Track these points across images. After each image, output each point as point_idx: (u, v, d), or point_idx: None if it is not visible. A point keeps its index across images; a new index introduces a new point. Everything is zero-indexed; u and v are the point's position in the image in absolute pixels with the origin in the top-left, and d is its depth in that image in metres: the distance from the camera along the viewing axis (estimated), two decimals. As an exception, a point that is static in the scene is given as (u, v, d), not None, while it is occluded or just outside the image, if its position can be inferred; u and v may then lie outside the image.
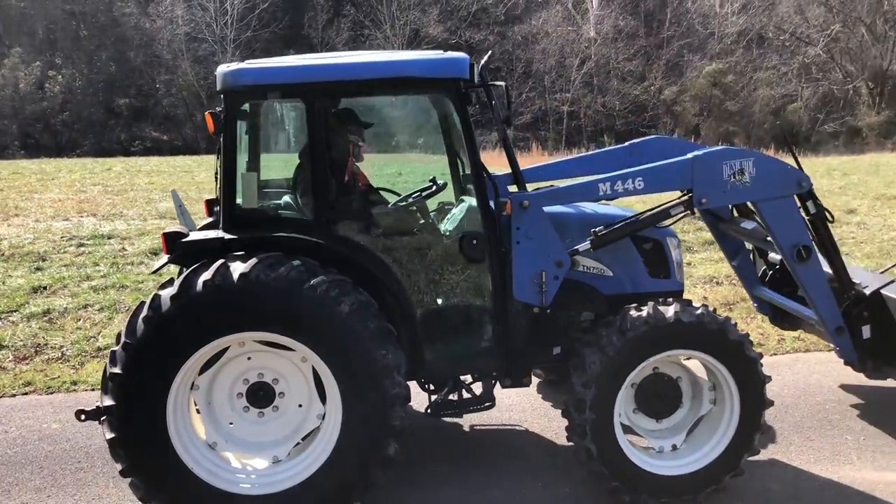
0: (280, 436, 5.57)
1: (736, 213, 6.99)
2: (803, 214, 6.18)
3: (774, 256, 7.33)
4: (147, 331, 4.98)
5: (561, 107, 46.94)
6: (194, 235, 5.47)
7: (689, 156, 5.87)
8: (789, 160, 6.24)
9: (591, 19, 49.08)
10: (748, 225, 6.73)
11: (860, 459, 6.24)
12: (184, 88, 49.15)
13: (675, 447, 5.75)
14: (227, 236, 5.39)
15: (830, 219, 6.27)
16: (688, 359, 5.71)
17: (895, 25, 48.34)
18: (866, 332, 6.30)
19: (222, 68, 5.39)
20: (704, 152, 5.88)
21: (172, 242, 5.38)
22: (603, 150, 7.33)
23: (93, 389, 8.20)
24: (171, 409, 5.19)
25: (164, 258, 5.52)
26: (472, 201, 5.99)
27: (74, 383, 8.34)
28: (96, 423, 5.30)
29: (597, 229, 5.87)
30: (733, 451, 5.61)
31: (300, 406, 5.53)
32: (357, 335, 5.13)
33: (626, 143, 7.00)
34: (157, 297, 5.05)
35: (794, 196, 6.09)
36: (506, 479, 6.13)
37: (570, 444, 5.63)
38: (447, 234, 5.95)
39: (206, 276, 4.97)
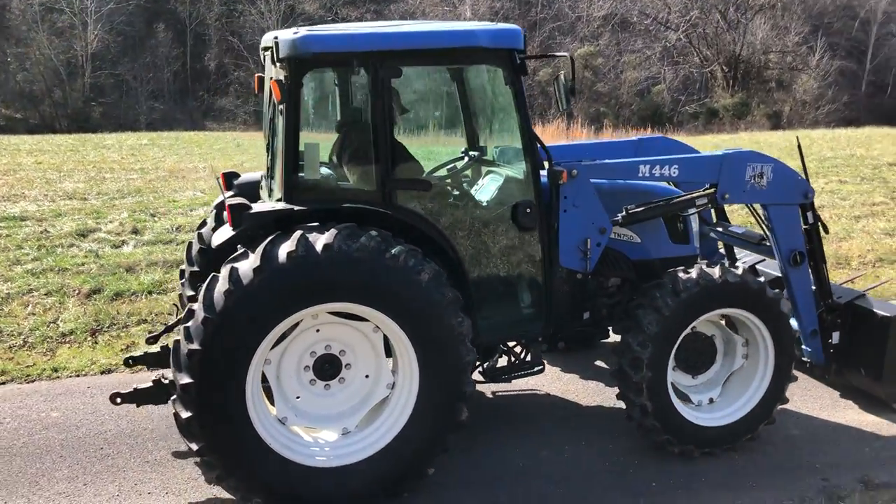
0: (346, 407, 5.56)
1: (715, 218, 7.50)
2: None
3: (746, 260, 7.74)
4: (228, 304, 4.86)
5: (440, 87, 47.30)
6: (260, 207, 5.33)
7: (720, 153, 6.31)
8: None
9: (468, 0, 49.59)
10: (738, 229, 7.26)
11: (859, 405, 6.84)
12: (40, 63, 46.08)
13: (711, 401, 6.14)
14: (296, 207, 5.29)
15: (825, 231, 6.80)
16: (722, 317, 6.09)
17: (746, 13, 51.51)
18: (836, 337, 6.85)
19: (285, 34, 5.28)
20: (733, 152, 6.34)
21: (239, 214, 5.23)
22: (612, 140, 7.68)
23: (77, 375, 7.82)
24: (249, 384, 5.08)
25: (229, 231, 5.35)
26: (509, 171, 6.11)
27: (55, 370, 7.90)
28: (129, 405, 5.21)
29: (629, 207, 6.17)
30: (768, 402, 6.07)
31: (367, 377, 5.53)
32: (436, 303, 5.20)
33: (635, 138, 7.37)
34: (235, 271, 4.92)
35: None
36: (548, 439, 6.34)
37: (589, 404, 5.89)
38: (488, 203, 6.05)
39: (289, 247, 4.89)
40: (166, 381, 5.95)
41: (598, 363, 7.87)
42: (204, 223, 6.96)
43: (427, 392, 5.31)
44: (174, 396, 5.09)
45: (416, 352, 5.26)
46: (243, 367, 5.02)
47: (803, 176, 6.57)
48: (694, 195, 6.34)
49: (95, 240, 12.37)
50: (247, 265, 4.90)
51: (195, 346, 4.88)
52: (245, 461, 5.10)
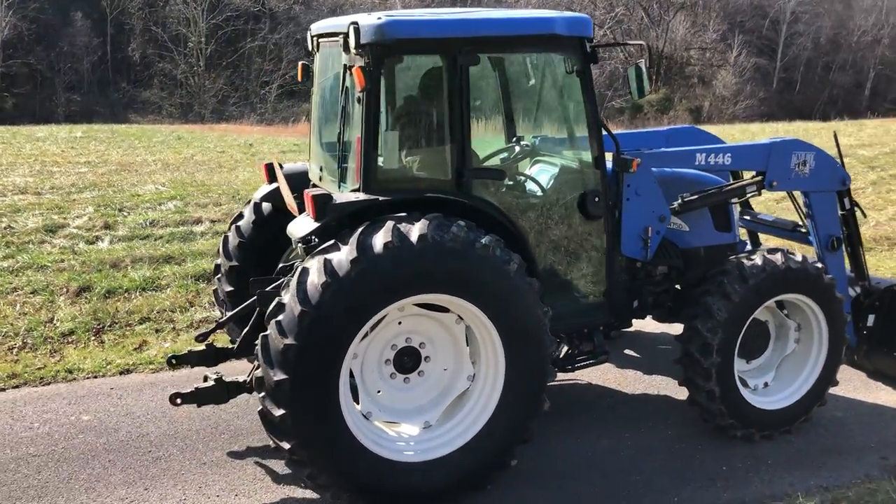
0: (426, 401, 5.48)
1: (740, 207, 7.68)
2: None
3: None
4: (325, 297, 4.71)
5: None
6: (343, 198, 5.18)
7: (767, 141, 6.45)
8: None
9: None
10: (767, 217, 7.51)
11: (890, 387, 7.09)
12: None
13: (766, 385, 6.28)
14: (381, 198, 5.17)
15: (864, 216, 7.04)
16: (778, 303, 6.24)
17: (668, 10, 52.85)
18: (871, 320, 7.10)
19: (367, 20, 5.14)
20: (780, 140, 6.50)
21: (323, 205, 5.07)
22: (644, 130, 7.75)
23: (94, 377, 7.48)
24: (342, 379, 4.95)
25: (310, 222, 5.17)
26: (575, 160, 6.11)
27: (70, 371, 7.53)
28: (160, 406, 5.13)
29: (684, 195, 6.26)
30: (821, 384, 6.26)
31: (445, 369, 5.46)
32: (524, 293, 5.17)
33: (665, 129, 7.45)
34: (329, 262, 4.76)
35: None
36: (603, 429, 6.38)
37: (632, 392, 6.00)
38: (555, 192, 6.03)
39: (385, 238, 4.77)
40: (228, 380, 5.73)
41: (627, 351, 7.95)
42: (241, 216, 6.77)
43: (512, 382, 5.27)
44: (262, 394, 4.89)
45: (502, 342, 5.21)
46: (337, 362, 4.88)
47: (840, 164, 6.78)
48: (744, 183, 6.48)
49: (67, 236, 11.80)
50: (343, 256, 4.75)
51: (289, 340, 4.71)
52: (338, 458, 4.96)
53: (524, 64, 6.38)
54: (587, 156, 5.88)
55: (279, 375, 4.74)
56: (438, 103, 5.44)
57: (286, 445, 4.87)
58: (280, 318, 4.79)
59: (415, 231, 4.84)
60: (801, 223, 7.13)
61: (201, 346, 6.33)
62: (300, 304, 4.72)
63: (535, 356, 5.28)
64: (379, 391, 5.34)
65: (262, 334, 4.91)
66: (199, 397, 5.68)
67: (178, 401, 5.64)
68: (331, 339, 4.81)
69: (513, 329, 5.19)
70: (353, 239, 4.82)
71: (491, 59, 6.40)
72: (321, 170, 6.00)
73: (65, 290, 9.55)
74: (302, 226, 5.25)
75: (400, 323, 5.26)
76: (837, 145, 6.98)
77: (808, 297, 6.04)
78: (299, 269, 4.90)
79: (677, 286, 6.69)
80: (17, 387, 7.25)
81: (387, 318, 5.15)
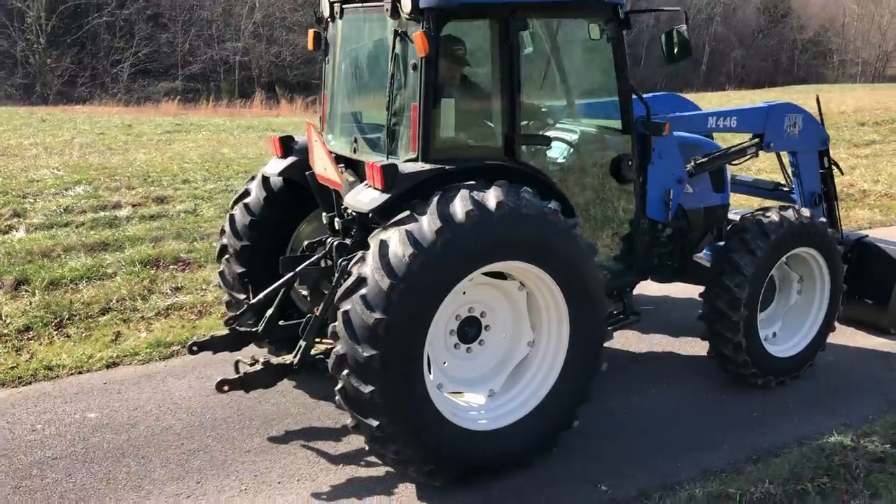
0: (486, 369, 5.48)
1: None
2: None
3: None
4: (413, 269, 4.60)
5: (233, 57, 45.34)
6: (409, 167, 5.06)
7: (765, 105, 6.79)
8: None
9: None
10: (746, 178, 7.96)
11: (862, 331, 7.68)
12: None
13: (774, 335, 6.67)
14: (447, 167, 5.09)
15: (841, 173, 7.55)
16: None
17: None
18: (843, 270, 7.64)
19: None
20: (777, 104, 6.87)
21: (392, 176, 4.93)
22: None
23: (79, 373, 6.95)
24: (426, 351, 4.87)
25: (375, 193, 5.01)
26: (608, 125, 6.17)
27: (49, 368, 6.96)
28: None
29: (696, 158, 6.52)
30: (824, 331, 6.71)
31: (504, 337, 5.47)
32: (587, 256, 5.25)
33: (648, 95, 7.65)
34: (411, 234, 4.66)
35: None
36: (630, 384, 6.58)
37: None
38: (592, 157, 6.11)
39: (465, 206, 4.72)
40: (276, 363, 5.50)
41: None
42: (246, 193, 6.46)
43: (576, 345, 5.35)
44: (345, 372, 4.73)
45: (567, 306, 5.26)
46: (423, 334, 4.79)
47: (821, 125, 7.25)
48: (745, 145, 6.81)
49: (-28, 226, 10.83)
50: (426, 227, 4.65)
51: (378, 315, 4.57)
52: (424, 432, 4.88)
53: (562, 30, 6.36)
54: (621, 121, 5.99)
55: (368, 351, 4.60)
56: (491, 69, 5.39)
57: (373, 423, 4.73)
58: (364, 292, 4.64)
59: (491, 199, 4.80)
60: (781, 183, 7.56)
61: (224, 331, 6.02)
62: (388, 277, 4.58)
63: (596, 318, 5.38)
64: (445, 362, 5.29)
65: (342, 310, 4.73)
66: (246, 383, 5.42)
67: (226, 388, 5.36)
68: (418, 311, 4.71)
69: (578, 292, 5.25)
70: (433, 209, 4.72)
71: (532, 24, 6.35)
72: (355, 141, 5.80)
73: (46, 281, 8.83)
74: (365, 197, 5.06)
75: (464, 293, 5.20)
76: (819, 108, 7.43)
77: (816, 249, 6.45)
78: (377, 241, 4.75)
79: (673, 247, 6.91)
80: (29, 383, 6.67)
81: (457, 287, 5.08)
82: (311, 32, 6.30)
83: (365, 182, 5.16)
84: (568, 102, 6.42)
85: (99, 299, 8.48)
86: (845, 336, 7.59)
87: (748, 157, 6.95)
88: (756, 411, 6.20)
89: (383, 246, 4.71)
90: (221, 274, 6.58)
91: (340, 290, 4.82)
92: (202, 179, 13.42)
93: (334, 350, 4.79)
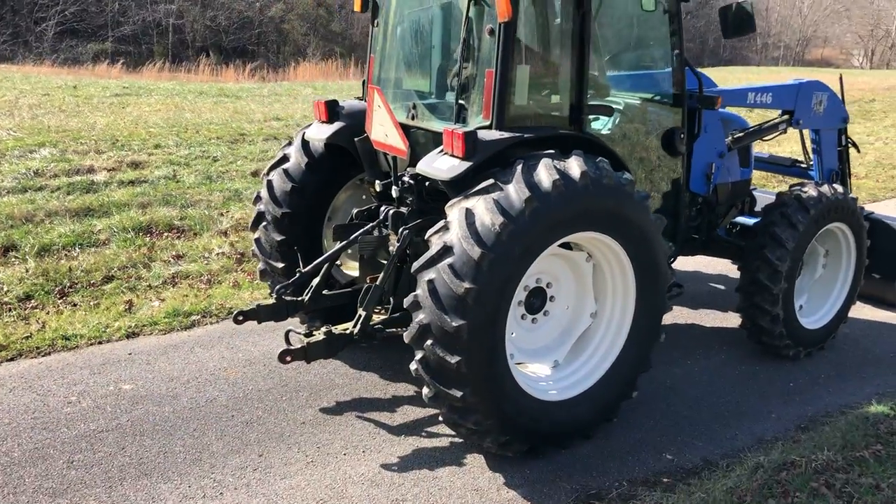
0: (549, 340, 5.47)
1: None
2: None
3: None
4: (502, 237, 4.52)
5: (166, 19, 43.80)
6: (489, 135, 4.96)
7: (795, 82, 6.91)
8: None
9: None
10: (763, 155, 8.10)
11: (870, 305, 7.95)
12: None
13: (801, 307, 6.84)
14: (526, 135, 5.02)
15: (857, 150, 7.75)
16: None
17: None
18: None
19: None
20: (806, 82, 6.99)
21: (473, 143, 4.84)
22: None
23: (99, 343, 6.69)
24: (509, 321, 4.82)
25: (454, 161, 4.90)
26: (662, 97, 6.14)
27: (66, 338, 6.67)
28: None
29: (734, 132, 6.61)
30: (848, 303, 6.93)
31: (567, 308, 5.47)
32: (656, 228, 5.27)
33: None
34: (499, 202, 4.59)
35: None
36: (666, 357, 6.65)
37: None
38: (648, 129, 6.10)
39: (551, 175, 4.66)
40: (338, 332, 5.37)
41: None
42: (285, 158, 6.27)
43: (640, 316, 5.38)
44: (429, 342, 4.64)
45: (635, 277, 5.28)
46: (507, 304, 4.74)
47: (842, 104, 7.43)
48: (777, 121, 6.92)
49: (-60, 189, 10.25)
50: (514, 195, 4.58)
51: (467, 284, 4.49)
52: (504, 402, 4.84)
53: (624, 1, 6.28)
54: (674, 93, 6.01)
55: (456, 321, 4.52)
56: (562, 37, 5.32)
57: (457, 393, 4.66)
58: (451, 261, 4.55)
59: (575, 169, 4.76)
60: (798, 159, 7.73)
61: (269, 300, 5.84)
62: (477, 246, 4.50)
63: (660, 289, 5.41)
64: (513, 333, 5.24)
65: (425, 279, 4.63)
66: (309, 353, 5.26)
67: (289, 358, 5.20)
68: (505, 280, 4.65)
69: (646, 264, 5.27)
70: (519, 177, 4.65)
71: None
72: (414, 107, 5.67)
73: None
74: (443, 164, 4.94)
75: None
76: (841, 87, 7.60)
77: (846, 224, 6.63)
78: (461, 210, 4.65)
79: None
80: (12, 359, 6.32)
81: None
82: None
83: (439, 149, 5.04)
84: (621, 73, 6.39)
85: (99, 267, 8.14)
86: (854, 310, 7.82)
87: (778, 133, 7.07)
88: (793, 382, 6.36)
89: (469, 214, 4.61)
90: (258, 241, 6.38)
91: (422, 260, 4.71)
92: (174, 145, 12.96)
93: (416, 320, 4.69)
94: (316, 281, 5.85)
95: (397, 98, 5.87)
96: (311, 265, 5.79)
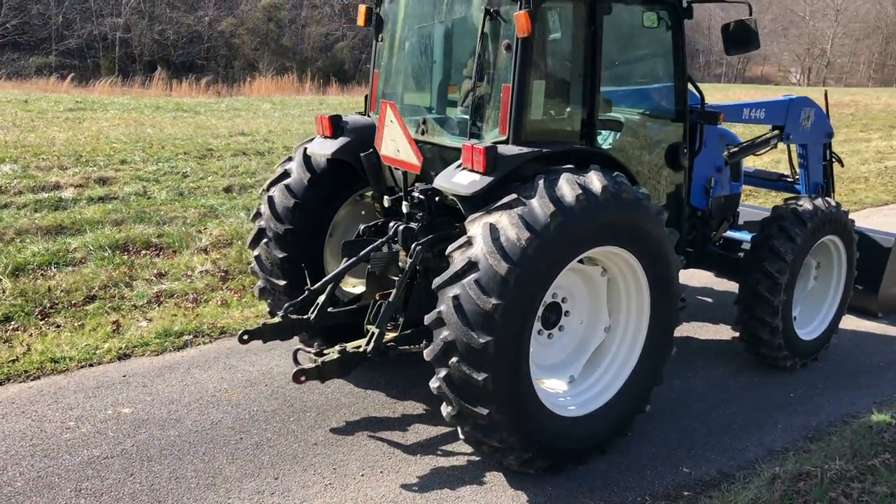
0: (564, 355, 5.46)
1: None
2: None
3: None
4: (528, 252, 4.49)
5: (112, 33, 42.99)
6: (508, 150, 4.93)
7: (786, 98, 7.06)
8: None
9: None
10: (749, 169, 8.17)
11: (852, 315, 8.10)
12: None
13: (794, 318, 6.94)
14: (544, 150, 5.02)
15: (841, 165, 7.93)
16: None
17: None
18: None
19: None
20: (797, 98, 7.15)
21: (494, 158, 4.81)
22: None
23: (89, 365, 6.46)
24: (532, 337, 4.79)
25: (473, 176, 4.86)
26: (665, 113, 6.17)
27: (54, 361, 6.42)
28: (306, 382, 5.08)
29: (730, 147, 6.73)
30: (839, 314, 7.06)
31: (581, 323, 5.47)
32: (670, 242, 5.31)
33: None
34: (523, 217, 4.56)
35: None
36: (667, 370, 6.67)
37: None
38: (653, 144, 6.12)
39: (573, 190, 4.66)
40: (351, 351, 5.28)
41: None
42: (285, 174, 6.17)
43: (654, 330, 5.40)
44: (454, 359, 4.58)
45: (650, 291, 5.30)
46: (531, 319, 4.72)
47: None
48: (768, 136, 7.06)
49: None
50: (539, 210, 4.56)
51: (494, 300, 4.45)
52: (527, 418, 4.80)
53: (621, 16, 6.30)
54: (677, 109, 6.06)
55: (484, 337, 4.47)
56: (574, 52, 5.34)
57: (482, 411, 4.61)
58: (477, 277, 4.50)
59: (596, 183, 4.76)
60: (784, 174, 7.88)
61: (275, 319, 5.70)
62: (504, 261, 4.46)
63: (674, 303, 5.44)
64: (531, 349, 5.21)
65: (449, 296, 4.57)
66: (323, 372, 5.15)
67: (303, 378, 5.07)
68: (532, 295, 4.63)
69: (661, 278, 5.30)
70: (542, 192, 4.64)
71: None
72: (424, 122, 5.62)
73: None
74: (463, 179, 4.89)
75: (552, 279, 5.14)
76: (826, 103, 7.78)
77: (838, 237, 6.76)
78: (484, 225, 4.61)
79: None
80: (0, 384, 6.06)
81: (546, 273, 5.02)
82: (362, 8, 6.05)
83: (457, 164, 5.00)
84: (623, 88, 6.43)
85: (79, 286, 7.89)
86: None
87: (769, 147, 7.20)
88: (793, 393, 6.45)
89: (493, 230, 4.58)
90: (258, 259, 6.24)
91: (445, 276, 4.65)
92: (141, 160, 12.70)
93: (440, 337, 4.62)
94: (322, 298, 5.73)
95: (405, 113, 5.81)
96: (321, 282, 5.67)
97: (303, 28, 49.01)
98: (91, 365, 6.43)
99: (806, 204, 6.49)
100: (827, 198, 6.80)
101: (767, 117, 7.01)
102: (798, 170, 7.70)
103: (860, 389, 6.58)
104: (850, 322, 7.93)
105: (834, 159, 7.82)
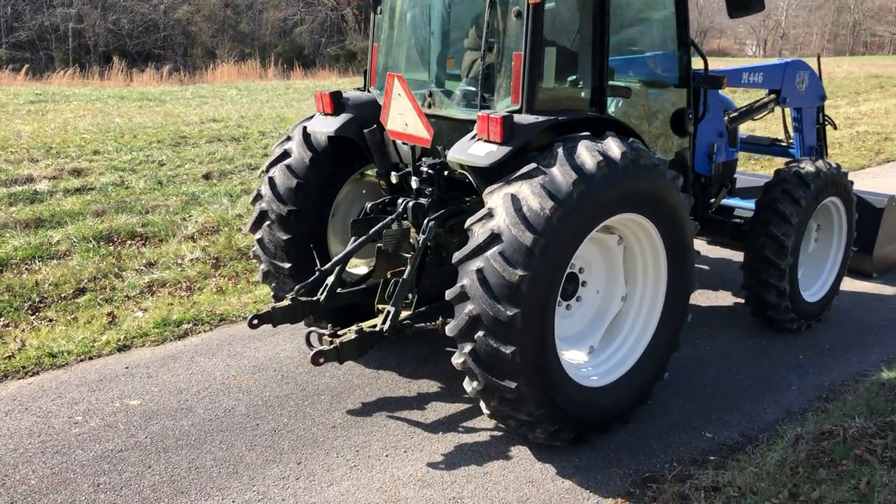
0: (582, 326, 5.41)
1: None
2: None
3: None
4: (553, 222, 4.41)
5: (64, 24, 41.92)
6: (527, 119, 4.83)
7: (782, 62, 7.04)
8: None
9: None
10: (742, 135, 8.15)
11: (849, 278, 8.17)
12: None
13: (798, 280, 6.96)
14: (561, 118, 4.93)
15: (834, 127, 7.94)
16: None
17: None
18: None
19: None
20: (792, 61, 7.14)
21: (511, 128, 4.71)
22: None
23: (90, 358, 6.28)
24: (556, 308, 4.73)
25: (495, 146, 4.75)
26: (669, 79, 6.09)
27: (52, 355, 6.23)
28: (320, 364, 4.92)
29: (730, 112, 6.70)
30: (840, 276, 7.10)
31: (598, 292, 5.42)
32: (686, 208, 5.27)
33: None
34: (545, 187, 4.47)
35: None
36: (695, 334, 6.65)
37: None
38: (659, 110, 6.06)
39: (593, 157, 4.59)
40: (368, 330, 5.16)
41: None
42: (286, 154, 6.02)
43: (671, 297, 5.36)
44: (480, 333, 4.50)
45: (667, 258, 5.26)
46: (556, 290, 4.65)
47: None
48: (766, 100, 7.04)
49: None
50: (562, 179, 4.47)
51: (520, 271, 4.37)
52: (555, 391, 4.74)
53: None
54: (681, 74, 6.01)
55: (511, 309, 4.39)
56: (584, 19, 5.25)
57: (510, 384, 4.53)
58: (501, 249, 4.41)
59: (615, 150, 4.69)
60: (777, 138, 7.89)
61: (285, 302, 5.56)
62: (529, 232, 4.38)
63: (688, 269, 5.40)
64: (552, 320, 5.15)
65: (472, 269, 4.48)
66: (342, 353, 5.03)
67: (322, 360, 4.95)
68: (556, 265, 4.55)
69: (677, 244, 5.25)
70: (563, 160, 4.56)
71: None
72: (430, 95, 5.50)
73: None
74: (479, 150, 4.78)
75: (569, 248, 5.07)
76: (819, 67, 7.78)
77: (839, 198, 6.78)
78: (505, 196, 4.52)
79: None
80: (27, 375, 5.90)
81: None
82: None
83: (471, 135, 4.90)
84: (627, 55, 6.36)
85: (67, 279, 7.67)
86: (836, 282, 8.05)
87: (767, 112, 7.19)
88: (801, 354, 6.47)
89: (515, 200, 4.49)
90: (260, 242, 6.08)
91: (466, 250, 4.56)
92: (114, 150, 12.40)
93: (465, 311, 4.53)
94: (331, 279, 5.61)
95: (409, 86, 5.67)
96: (330, 263, 5.55)
97: (260, 13, 48.29)
98: (91, 358, 6.24)
99: (808, 166, 6.48)
100: (826, 160, 6.80)
101: (765, 81, 7.00)
102: (792, 134, 7.70)
103: (866, 349, 6.62)
104: (845, 283, 7.97)
105: (827, 122, 7.83)
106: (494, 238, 4.46)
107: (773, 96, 7.09)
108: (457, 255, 4.62)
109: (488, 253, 4.44)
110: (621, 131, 5.16)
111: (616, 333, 5.39)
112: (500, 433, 5.18)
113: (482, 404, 4.83)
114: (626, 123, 5.34)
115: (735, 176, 7.51)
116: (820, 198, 6.49)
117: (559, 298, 5.10)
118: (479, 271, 4.46)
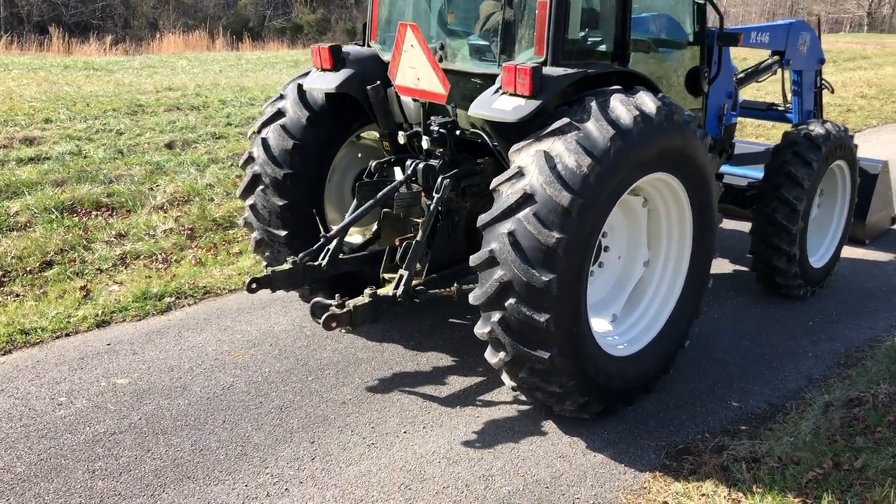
0: (604, 293, 5.15)
1: None
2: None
3: None
4: (590, 180, 4.12)
5: (-3, -8, 40.04)
6: (556, 72, 4.51)
7: (786, 22, 6.83)
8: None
9: None
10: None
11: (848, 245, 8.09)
12: None
13: (805, 246, 6.82)
14: (590, 71, 4.63)
15: (831, 91, 7.79)
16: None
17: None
18: None
19: None
20: (794, 21, 6.92)
21: (540, 81, 4.39)
22: None
23: (66, 335, 5.81)
24: (589, 273, 4.45)
25: (523, 100, 4.42)
26: (684, 36, 5.82)
27: (25, 332, 5.74)
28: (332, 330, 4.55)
29: (736, 73, 6.48)
30: (843, 240, 6.98)
31: (619, 258, 5.16)
32: (714, 168, 5.05)
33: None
34: (580, 144, 4.17)
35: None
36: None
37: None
38: (677, 67, 5.80)
39: (629, 112, 4.30)
40: (381, 295, 4.81)
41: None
42: (279, 114, 5.60)
43: (695, 262, 5.13)
44: (512, 301, 4.19)
45: (693, 220, 5.02)
46: (591, 254, 4.36)
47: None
48: (770, 62, 6.84)
49: None
50: (598, 135, 4.18)
51: (557, 234, 4.07)
52: (587, 361, 4.47)
53: None
54: (694, 32, 5.76)
55: (546, 275, 4.09)
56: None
57: (543, 354, 4.24)
58: (535, 210, 4.10)
59: (649, 105, 4.41)
60: (774, 103, 7.72)
61: (285, 266, 5.15)
62: (565, 191, 4.07)
63: (713, 231, 5.17)
64: (577, 287, 4.87)
65: (503, 232, 4.16)
66: (355, 317, 4.65)
67: (334, 324, 4.56)
68: (592, 227, 4.26)
69: (703, 205, 5.01)
70: (598, 114, 4.26)
71: None
72: (441, 48, 5.14)
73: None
74: (505, 105, 4.44)
75: (593, 210, 4.79)
76: (819, 29, 7.60)
77: (845, 161, 6.63)
78: (537, 153, 4.21)
79: None
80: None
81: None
82: None
83: (494, 88, 4.57)
84: (646, 13, 6.08)
85: (32, 252, 7.14)
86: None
87: (771, 73, 7.00)
88: (810, 321, 6.33)
89: (549, 158, 4.17)
90: (253, 208, 5.66)
91: (495, 212, 4.23)
92: (67, 119, 11.68)
93: (495, 277, 4.22)
94: (333, 245, 5.24)
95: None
96: (337, 228, 5.18)
97: (203, -16, 46.84)
98: (68, 335, 5.77)
99: (818, 128, 6.31)
100: (833, 122, 6.64)
101: (771, 41, 6.79)
102: (791, 97, 7.53)
103: (873, 314, 6.52)
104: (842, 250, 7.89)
105: (824, 86, 7.69)
106: (527, 198, 4.15)
107: (776, 58, 6.89)
108: (483, 217, 4.29)
109: (520, 214, 4.13)
110: (649, 87, 4.88)
111: (639, 300, 5.14)
112: (522, 407, 4.92)
113: (506, 376, 4.54)
114: (650, 79, 5.06)
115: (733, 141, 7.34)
116: (830, 161, 6.34)
117: (582, 265, 4.83)
118: (511, 234, 4.14)
